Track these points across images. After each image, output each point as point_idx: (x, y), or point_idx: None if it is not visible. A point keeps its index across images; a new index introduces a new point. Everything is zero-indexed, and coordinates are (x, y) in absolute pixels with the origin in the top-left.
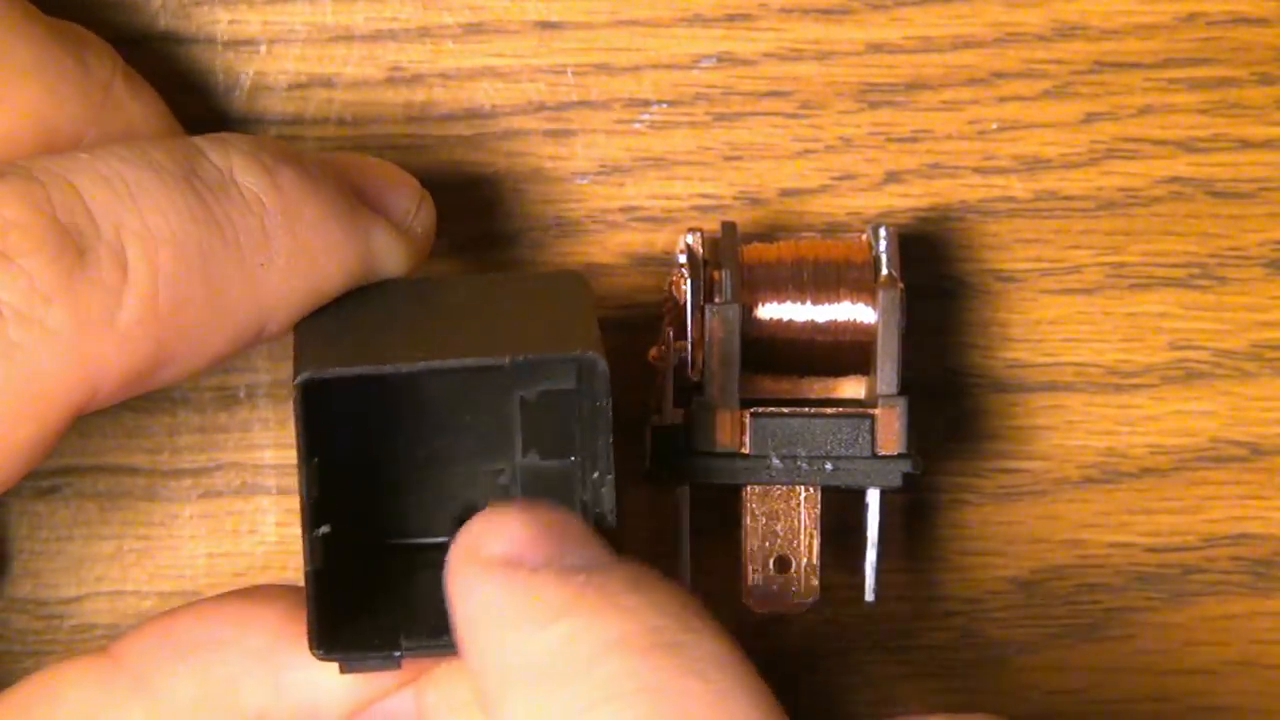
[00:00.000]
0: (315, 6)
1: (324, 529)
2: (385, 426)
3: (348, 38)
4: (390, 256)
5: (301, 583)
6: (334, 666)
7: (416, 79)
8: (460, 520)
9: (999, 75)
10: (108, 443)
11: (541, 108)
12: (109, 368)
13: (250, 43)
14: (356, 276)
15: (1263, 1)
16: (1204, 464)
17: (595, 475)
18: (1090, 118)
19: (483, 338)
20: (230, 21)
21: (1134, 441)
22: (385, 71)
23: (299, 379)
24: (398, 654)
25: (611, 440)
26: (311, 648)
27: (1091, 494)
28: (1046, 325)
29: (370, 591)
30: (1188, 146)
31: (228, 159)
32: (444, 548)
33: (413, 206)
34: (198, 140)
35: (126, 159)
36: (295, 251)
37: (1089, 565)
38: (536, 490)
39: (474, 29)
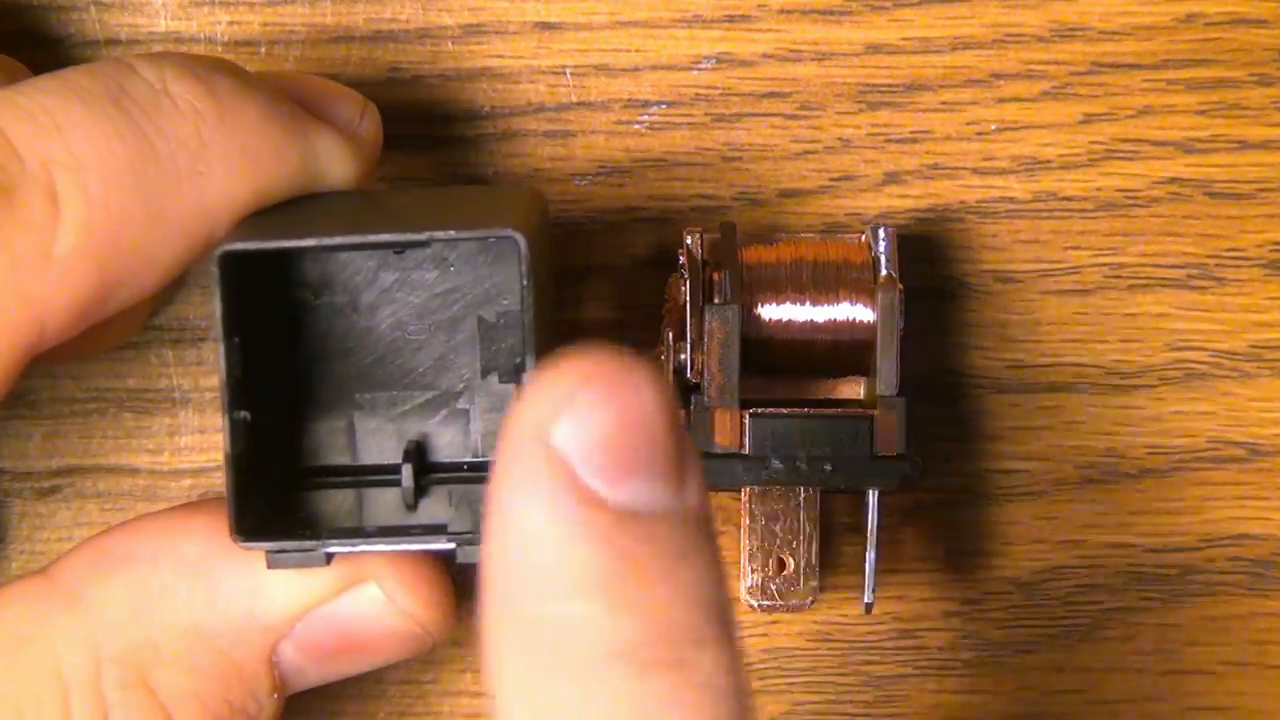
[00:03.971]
0: (315, 7)
1: (244, 413)
2: (339, 347)
3: (348, 38)
4: (336, 162)
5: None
6: (269, 572)
7: (416, 80)
8: (418, 444)
9: (998, 76)
10: (108, 443)
11: (541, 109)
12: (53, 302)
13: (250, 43)
14: (301, 181)
15: (1261, 2)
16: (1203, 465)
17: (519, 359)
18: (1089, 119)
19: (413, 224)
20: (230, 22)
21: (1133, 442)
22: (385, 72)
23: (219, 251)
24: (327, 549)
25: (534, 324)
26: (231, 533)
27: (1091, 494)
28: (1046, 326)
29: (306, 502)
30: (1186, 147)
31: (160, 73)
32: (395, 469)
33: (356, 114)
34: (131, 59)
35: (49, 90)
36: (236, 156)
37: (1088, 565)
38: (496, 414)
39: (473, 30)
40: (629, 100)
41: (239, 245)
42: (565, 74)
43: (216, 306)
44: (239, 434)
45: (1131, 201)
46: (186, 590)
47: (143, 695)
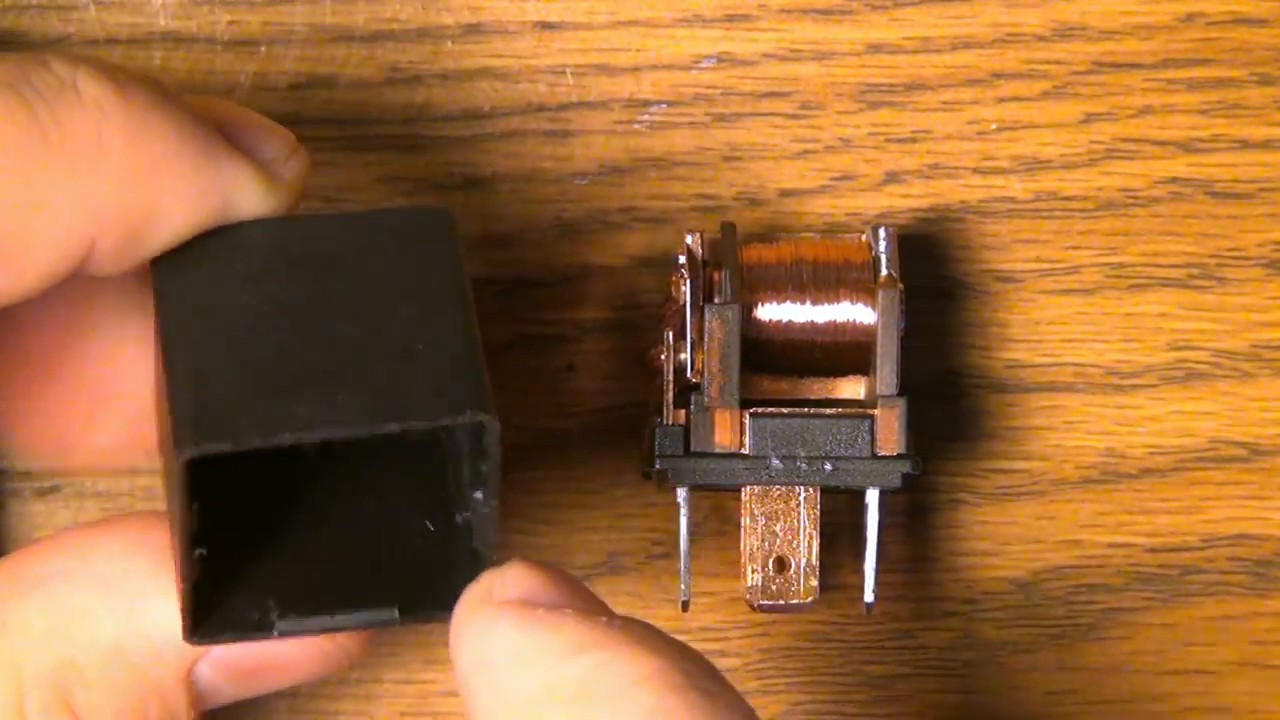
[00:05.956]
0: (315, 7)
1: (200, 550)
2: (313, 493)
3: (348, 38)
4: (248, 196)
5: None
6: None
7: (416, 79)
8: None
9: (998, 76)
10: None
11: (541, 108)
12: None
13: (250, 43)
14: (208, 207)
15: (1262, 2)
16: (1203, 464)
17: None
18: (1090, 118)
19: (369, 393)
20: (230, 22)
21: (1133, 442)
22: (385, 72)
23: (180, 458)
24: (275, 633)
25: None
26: (186, 636)
27: (1090, 494)
28: (1046, 326)
29: (256, 571)
30: (1187, 147)
31: (74, 69)
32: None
33: (282, 154)
34: (48, 53)
35: None
36: (139, 164)
37: (1088, 565)
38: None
39: (473, 29)
40: (629, 100)
41: (206, 450)
42: (565, 74)
43: (177, 512)
44: (193, 567)
45: (1132, 201)
46: (104, 609)
47: (66, 718)
